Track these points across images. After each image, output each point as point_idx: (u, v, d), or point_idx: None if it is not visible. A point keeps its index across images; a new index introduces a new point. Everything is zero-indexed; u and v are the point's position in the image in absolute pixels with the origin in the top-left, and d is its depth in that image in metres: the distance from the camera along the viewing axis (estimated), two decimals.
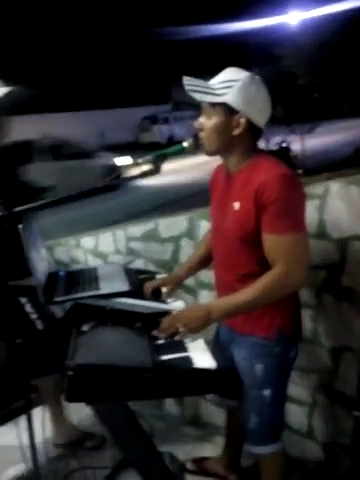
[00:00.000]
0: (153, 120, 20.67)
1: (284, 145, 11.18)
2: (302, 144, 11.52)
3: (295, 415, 2.13)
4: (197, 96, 1.37)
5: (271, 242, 1.35)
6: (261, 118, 1.41)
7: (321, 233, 1.86)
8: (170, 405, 2.61)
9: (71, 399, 1.11)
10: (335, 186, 1.81)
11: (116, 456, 2.16)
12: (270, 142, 11.20)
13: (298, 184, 1.38)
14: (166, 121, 20.49)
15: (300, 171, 9.25)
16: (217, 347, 1.68)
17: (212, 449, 2.28)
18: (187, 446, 2.33)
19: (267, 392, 1.52)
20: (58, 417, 2.20)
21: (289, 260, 1.33)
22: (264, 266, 1.39)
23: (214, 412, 2.43)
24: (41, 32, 19.79)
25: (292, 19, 16.62)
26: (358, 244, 1.76)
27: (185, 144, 1.46)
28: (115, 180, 1.56)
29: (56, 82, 18.80)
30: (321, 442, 2.09)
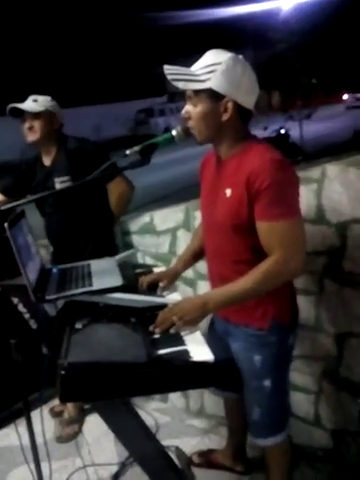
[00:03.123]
0: (149, 113, 20.59)
1: (282, 132, 11.10)
2: (300, 130, 11.43)
3: (301, 403, 2.11)
4: (180, 85, 1.31)
5: (266, 230, 1.30)
6: (249, 99, 1.34)
7: (320, 218, 1.82)
8: (175, 398, 2.60)
9: (65, 399, 1.08)
10: (332, 169, 1.77)
11: (120, 453, 2.16)
12: (268, 129, 11.14)
13: (290, 168, 1.32)
14: (162, 113, 20.41)
15: (300, 157, 9.19)
16: (213, 338, 1.65)
17: (218, 441, 2.27)
18: (193, 439, 2.32)
19: (267, 383, 1.50)
20: None
21: (286, 247, 1.28)
22: (257, 254, 1.35)
23: (219, 403, 2.40)
24: (33, 27, 19.65)
25: (286, 4, 16.48)
26: (358, 228, 1.72)
27: (174, 132, 1.41)
28: (104, 172, 1.52)
29: (49, 78, 18.72)
30: (328, 429, 2.07)
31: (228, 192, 1.36)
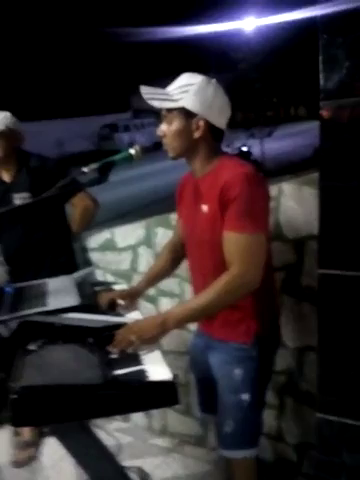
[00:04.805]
0: (113, 128, 20.62)
1: (244, 149, 11.34)
2: (261, 148, 11.71)
3: (264, 418, 2.11)
4: (156, 103, 1.39)
5: (229, 241, 1.33)
6: (220, 119, 1.42)
7: (277, 235, 1.87)
8: (137, 417, 2.56)
9: (17, 424, 1.04)
10: (288, 187, 1.82)
11: (80, 477, 2.10)
12: (230, 147, 11.35)
13: (261, 184, 1.37)
14: (127, 129, 20.48)
15: (261, 174, 9.38)
16: (193, 359, 1.69)
17: (182, 460, 2.25)
18: (156, 458, 2.29)
19: (245, 396, 1.49)
20: None
21: (244, 261, 1.31)
22: None
23: (183, 422, 2.39)
24: None
25: (248, 25, 16.94)
26: (314, 244, 1.77)
27: (132, 151, 1.43)
28: (63, 188, 1.50)
29: (11, 91, 18.44)
30: (292, 444, 2.08)
31: (205, 208, 1.41)
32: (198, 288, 1.55)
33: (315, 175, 1.70)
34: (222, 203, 1.33)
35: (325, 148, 1.17)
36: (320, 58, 1.14)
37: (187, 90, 1.36)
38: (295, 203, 1.80)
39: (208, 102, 1.37)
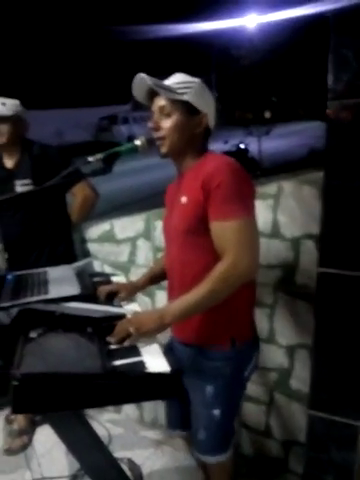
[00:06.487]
0: (112, 120, 20.52)
1: (242, 147, 11.35)
2: (259, 146, 11.73)
3: (253, 414, 2.15)
4: (162, 92, 1.37)
5: (218, 229, 1.28)
6: (213, 119, 1.46)
7: (275, 233, 1.88)
8: (129, 409, 2.58)
9: (17, 410, 1.05)
10: (288, 185, 1.83)
11: (72, 465, 2.12)
12: (228, 144, 11.36)
13: (244, 174, 1.33)
14: (125, 121, 20.39)
15: (258, 172, 9.41)
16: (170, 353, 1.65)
17: (172, 452, 2.27)
18: (147, 450, 2.31)
19: (217, 412, 1.48)
20: None
21: (237, 247, 1.25)
22: (212, 262, 1.31)
23: None
24: None
25: (250, 22, 16.76)
26: (310, 243, 1.79)
27: (137, 142, 1.42)
28: (66, 178, 1.50)
29: (11, 80, 18.31)
30: (279, 440, 2.11)
31: (183, 199, 1.38)
32: (174, 283, 1.51)
33: (316, 175, 1.72)
34: (205, 192, 1.28)
35: (331, 147, 1.19)
36: (329, 58, 1.15)
37: (190, 86, 1.37)
38: (295, 202, 1.81)
39: (208, 101, 1.42)
